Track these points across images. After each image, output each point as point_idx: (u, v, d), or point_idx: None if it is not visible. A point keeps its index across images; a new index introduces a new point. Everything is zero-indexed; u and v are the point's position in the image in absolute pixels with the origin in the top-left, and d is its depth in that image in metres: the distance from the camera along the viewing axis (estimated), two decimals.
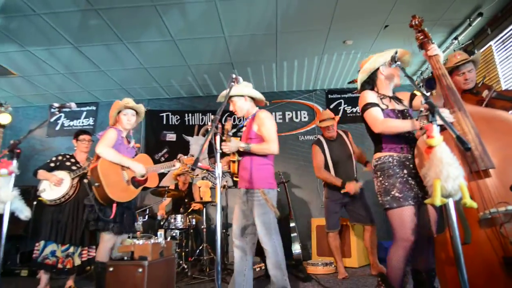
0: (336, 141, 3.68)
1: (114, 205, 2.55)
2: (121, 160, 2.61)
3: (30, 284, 3.57)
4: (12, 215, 1.96)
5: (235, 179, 2.59)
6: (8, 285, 3.66)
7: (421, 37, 2.05)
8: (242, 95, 2.55)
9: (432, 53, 1.96)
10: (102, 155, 2.55)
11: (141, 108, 2.89)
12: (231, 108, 2.57)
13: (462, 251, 1.30)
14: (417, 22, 2.10)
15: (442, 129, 1.49)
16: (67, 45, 4.22)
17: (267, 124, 2.43)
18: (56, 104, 2.38)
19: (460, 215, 1.58)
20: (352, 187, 3.42)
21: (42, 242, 3.16)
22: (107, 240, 2.55)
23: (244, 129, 2.62)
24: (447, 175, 1.31)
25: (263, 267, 3.91)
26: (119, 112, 2.79)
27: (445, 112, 1.67)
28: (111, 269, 1.91)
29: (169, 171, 5.59)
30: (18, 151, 1.96)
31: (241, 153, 2.45)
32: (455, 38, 4.26)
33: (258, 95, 2.58)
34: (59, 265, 3.16)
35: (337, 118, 3.72)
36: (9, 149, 1.93)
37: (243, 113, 2.59)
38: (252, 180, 2.39)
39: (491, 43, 4.06)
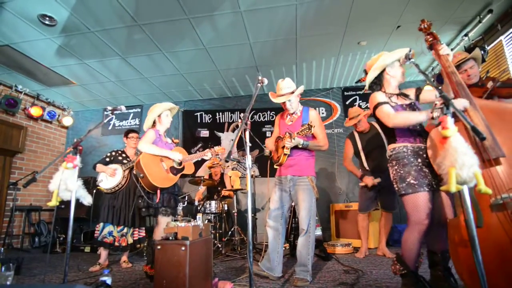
0: (369, 133, 3.55)
1: (158, 191, 2.65)
2: (161, 152, 2.72)
3: (92, 258, 3.78)
4: (77, 202, 2.07)
5: (276, 166, 2.61)
6: (75, 258, 3.89)
7: (430, 39, 1.96)
8: (295, 92, 2.53)
9: (444, 53, 1.87)
10: (143, 150, 2.65)
11: (175, 108, 3.06)
12: (287, 106, 2.53)
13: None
14: (425, 26, 2.02)
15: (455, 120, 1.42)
16: (116, 57, 4.37)
17: (321, 124, 2.52)
18: (109, 108, 2.48)
19: (473, 200, 1.51)
20: (368, 181, 3.37)
21: (101, 224, 3.33)
22: (162, 222, 2.66)
23: (290, 123, 2.60)
24: (462, 163, 1.24)
25: (287, 247, 3.91)
26: (159, 114, 2.90)
27: (462, 101, 1.61)
28: (159, 247, 1.97)
29: (204, 162, 5.70)
30: (80, 148, 2.06)
31: (292, 148, 2.46)
32: (466, 35, 3.99)
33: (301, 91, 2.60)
34: (116, 243, 3.31)
35: (368, 112, 3.51)
36: (73, 147, 2.03)
37: (292, 110, 2.58)
38: (301, 169, 2.47)
39: (501, 38, 3.77)
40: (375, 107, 1.94)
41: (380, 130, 3.50)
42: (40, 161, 5.73)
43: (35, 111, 5.45)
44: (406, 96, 1.99)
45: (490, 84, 2.28)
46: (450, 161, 1.28)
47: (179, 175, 2.82)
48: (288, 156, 2.49)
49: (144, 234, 3.61)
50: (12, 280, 2.11)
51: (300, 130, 2.34)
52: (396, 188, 1.90)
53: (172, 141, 3.12)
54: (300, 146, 2.41)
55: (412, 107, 1.94)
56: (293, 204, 2.74)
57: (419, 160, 1.83)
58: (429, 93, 1.96)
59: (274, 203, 2.54)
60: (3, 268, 2.14)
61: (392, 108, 1.89)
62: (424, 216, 1.76)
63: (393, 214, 3.54)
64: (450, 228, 1.69)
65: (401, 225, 4.59)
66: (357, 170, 3.54)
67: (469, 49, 3.80)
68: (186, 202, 4.68)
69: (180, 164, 2.85)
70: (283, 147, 2.44)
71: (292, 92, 2.52)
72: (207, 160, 4.68)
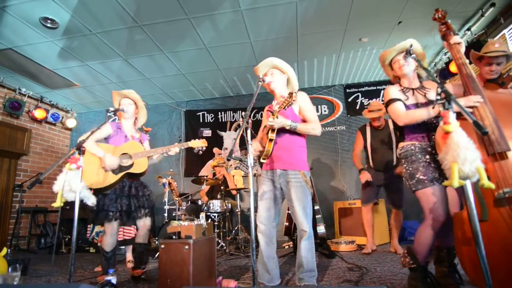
0: (382, 131, 3.55)
1: (91, 192, 2.26)
2: (98, 153, 2.43)
3: (97, 258, 3.81)
4: (81, 202, 2.07)
5: (262, 160, 2.18)
6: (80, 258, 3.92)
7: (444, 28, 1.92)
8: (284, 72, 2.31)
9: (456, 41, 1.84)
10: (86, 147, 2.29)
11: (131, 94, 2.67)
12: (268, 78, 2.22)
13: (480, 228, 1.23)
14: (440, 15, 1.97)
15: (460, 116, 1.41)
16: (118, 58, 4.39)
17: (310, 104, 2.18)
18: (111, 109, 2.49)
19: (478, 194, 1.50)
20: (362, 176, 3.50)
21: (91, 225, 3.31)
22: (106, 227, 2.48)
23: (277, 108, 2.16)
24: (464, 158, 1.24)
25: (291, 245, 3.91)
26: (119, 105, 2.66)
27: (475, 97, 1.60)
28: (162, 246, 1.99)
29: (208, 161, 5.70)
30: (83, 149, 2.07)
31: (279, 133, 2.10)
32: (468, 29, 3.95)
33: (295, 85, 2.33)
34: (99, 244, 3.26)
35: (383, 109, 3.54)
36: (76, 148, 2.03)
37: (277, 89, 2.27)
38: (293, 162, 2.11)
39: (505, 31, 3.73)
40: (387, 103, 1.95)
41: (391, 129, 3.51)
42: (45, 162, 5.78)
43: (39, 114, 5.49)
44: (424, 91, 1.93)
45: (511, 85, 2.19)
46: (452, 156, 1.28)
47: (121, 174, 2.46)
48: (275, 144, 2.11)
49: (132, 236, 3.49)
50: (19, 281, 2.14)
51: (282, 102, 1.97)
52: (408, 186, 1.90)
53: (143, 129, 2.85)
54: (288, 128, 2.04)
55: (428, 106, 1.87)
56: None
57: (427, 156, 1.83)
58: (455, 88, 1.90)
59: (265, 203, 2.15)
60: (10, 269, 2.17)
61: (404, 106, 1.88)
62: (438, 210, 1.73)
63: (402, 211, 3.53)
64: (455, 222, 1.68)
65: (405, 222, 4.58)
66: (360, 164, 3.61)
67: (472, 44, 3.76)
68: (189, 201, 4.71)
69: (130, 160, 2.51)
70: (268, 132, 2.08)
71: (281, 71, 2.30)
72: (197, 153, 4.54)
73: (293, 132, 2.11)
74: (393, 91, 1.95)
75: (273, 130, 2.06)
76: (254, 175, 4.60)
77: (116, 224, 2.49)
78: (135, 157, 2.51)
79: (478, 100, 1.61)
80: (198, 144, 2.64)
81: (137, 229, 2.68)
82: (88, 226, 3.37)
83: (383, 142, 3.49)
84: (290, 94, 1.94)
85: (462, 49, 1.85)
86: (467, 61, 1.83)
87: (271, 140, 2.08)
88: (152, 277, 2.75)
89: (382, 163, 3.46)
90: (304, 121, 2.18)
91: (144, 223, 2.63)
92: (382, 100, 5.44)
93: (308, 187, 2.12)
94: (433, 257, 1.95)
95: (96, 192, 2.38)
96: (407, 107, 1.89)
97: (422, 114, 1.76)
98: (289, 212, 3.72)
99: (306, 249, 2.05)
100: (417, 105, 1.89)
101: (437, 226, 1.74)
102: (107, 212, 2.43)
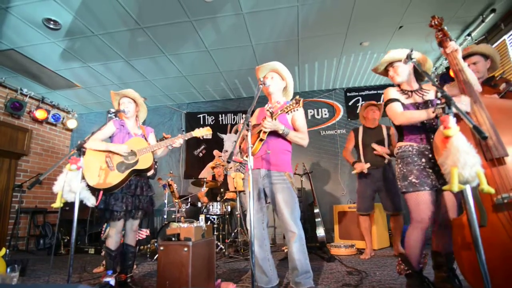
0: (374, 130, 3.59)
1: (101, 192, 2.32)
2: (101, 146, 2.41)
3: (96, 260, 3.80)
4: (81, 203, 2.07)
5: (245, 158, 2.04)
6: (79, 260, 3.91)
7: (440, 35, 1.93)
8: (284, 78, 2.36)
9: (450, 50, 1.85)
10: (88, 147, 2.35)
11: (131, 93, 2.61)
12: (267, 81, 2.26)
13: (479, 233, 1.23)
14: (436, 22, 1.98)
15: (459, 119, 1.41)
16: (120, 59, 4.41)
17: (303, 116, 2.26)
18: (112, 110, 2.49)
19: (476, 199, 1.50)
20: (358, 166, 3.48)
21: (105, 225, 3.33)
22: (112, 226, 2.43)
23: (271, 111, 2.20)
24: (464, 163, 1.24)
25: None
26: (118, 104, 2.63)
27: (465, 100, 1.60)
28: (162, 248, 1.98)
29: (208, 164, 5.70)
30: (84, 150, 2.07)
31: (269, 135, 2.15)
32: (468, 35, 3.98)
33: (291, 93, 2.39)
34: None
35: (381, 108, 3.62)
36: (76, 148, 2.04)
37: (274, 94, 2.32)
38: (279, 163, 2.15)
39: (505, 37, 3.75)
40: (386, 104, 1.99)
41: (384, 132, 3.53)
42: (45, 163, 5.78)
43: (40, 114, 5.51)
44: (423, 92, 1.96)
45: (503, 87, 2.20)
46: (452, 160, 1.28)
47: (128, 171, 2.39)
48: (263, 144, 2.13)
49: (144, 236, 3.57)
50: (17, 281, 2.13)
51: (286, 106, 2.01)
52: (399, 186, 1.92)
53: (163, 136, 2.90)
54: (281, 132, 2.09)
55: (427, 105, 1.90)
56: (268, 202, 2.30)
57: (423, 160, 1.85)
58: (449, 89, 1.90)
59: (253, 205, 2.14)
60: (8, 270, 2.16)
61: (402, 106, 1.91)
62: (424, 215, 1.78)
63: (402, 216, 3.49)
64: (454, 227, 1.68)
65: (406, 226, 4.56)
66: (351, 157, 3.63)
67: None
68: (189, 203, 4.71)
69: (134, 157, 2.45)
70: (260, 131, 2.10)
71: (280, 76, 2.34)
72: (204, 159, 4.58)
73: (282, 137, 2.17)
74: (391, 92, 2.00)
75: (265, 131, 2.10)
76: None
77: (120, 224, 2.43)
78: (139, 154, 2.45)
79: (466, 108, 1.61)
80: (202, 132, 2.57)
81: (125, 230, 2.57)
82: (104, 225, 3.38)
83: (374, 138, 3.53)
84: (298, 100, 1.97)
85: (459, 55, 1.86)
86: (465, 64, 1.83)
87: (261, 140, 2.12)
88: (138, 283, 2.59)
89: (374, 158, 3.46)
90: (294, 130, 2.23)
91: (133, 225, 2.55)
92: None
93: (294, 188, 2.14)
94: (426, 261, 1.95)
95: (105, 191, 2.35)
96: (406, 106, 1.92)
97: (420, 116, 1.79)
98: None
99: (298, 251, 2.03)
100: (415, 105, 1.92)
101: (423, 228, 1.79)
102: (112, 212, 2.38)
